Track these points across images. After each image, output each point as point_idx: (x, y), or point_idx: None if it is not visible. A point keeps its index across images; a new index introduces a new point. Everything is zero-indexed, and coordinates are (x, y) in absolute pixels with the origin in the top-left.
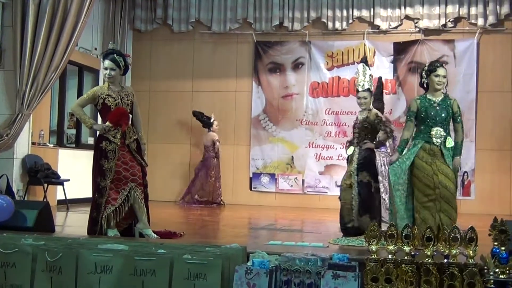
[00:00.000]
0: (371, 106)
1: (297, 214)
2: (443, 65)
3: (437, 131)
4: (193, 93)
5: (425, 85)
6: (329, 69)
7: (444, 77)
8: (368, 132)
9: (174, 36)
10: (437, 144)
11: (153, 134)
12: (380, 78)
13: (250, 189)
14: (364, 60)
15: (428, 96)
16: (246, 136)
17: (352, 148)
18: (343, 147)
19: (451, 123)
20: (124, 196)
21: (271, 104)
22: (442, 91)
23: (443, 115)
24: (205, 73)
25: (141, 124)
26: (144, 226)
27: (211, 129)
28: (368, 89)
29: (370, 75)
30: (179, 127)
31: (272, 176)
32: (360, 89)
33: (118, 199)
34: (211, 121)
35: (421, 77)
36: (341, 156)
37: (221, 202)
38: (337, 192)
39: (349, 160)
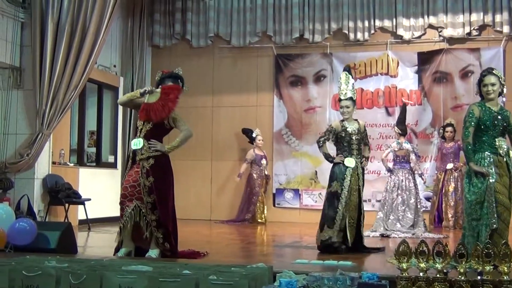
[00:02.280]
0: (354, 116)
1: None
2: (493, 71)
3: (500, 142)
4: (213, 108)
5: (479, 95)
6: None
7: (493, 84)
8: (360, 143)
9: (193, 51)
10: (503, 155)
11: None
12: (404, 105)
13: (274, 205)
14: (347, 69)
15: (487, 104)
16: (269, 151)
17: (353, 160)
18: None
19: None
20: (128, 213)
21: (293, 118)
22: (499, 100)
23: (504, 125)
24: (225, 87)
25: (182, 138)
26: (151, 246)
27: (254, 143)
28: (351, 98)
29: (352, 84)
30: (200, 143)
31: (296, 191)
32: (342, 97)
33: (124, 217)
34: (254, 136)
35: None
36: (365, 169)
37: (260, 219)
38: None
39: (347, 173)
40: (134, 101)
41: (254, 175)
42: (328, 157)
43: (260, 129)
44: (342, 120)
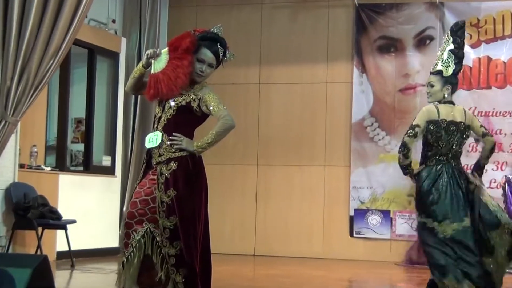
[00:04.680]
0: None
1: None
2: None
3: None
4: (261, 86)
5: None
6: (473, 46)
7: None
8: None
9: (231, 0)
10: None
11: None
12: None
13: (351, 234)
14: (459, 26)
15: None
16: (344, 152)
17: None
18: (496, 169)
19: None
20: (135, 242)
21: (382, 101)
22: None
23: None
24: (280, 55)
25: (219, 130)
26: None
27: None
28: (440, 72)
29: (453, 50)
30: (241, 138)
31: (386, 214)
32: (431, 70)
33: (129, 246)
34: None
35: None
36: (494, 181)
37: None
38: None
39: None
40: (144, 81)
41: None
42: (406, 169)
43: (332, 118)
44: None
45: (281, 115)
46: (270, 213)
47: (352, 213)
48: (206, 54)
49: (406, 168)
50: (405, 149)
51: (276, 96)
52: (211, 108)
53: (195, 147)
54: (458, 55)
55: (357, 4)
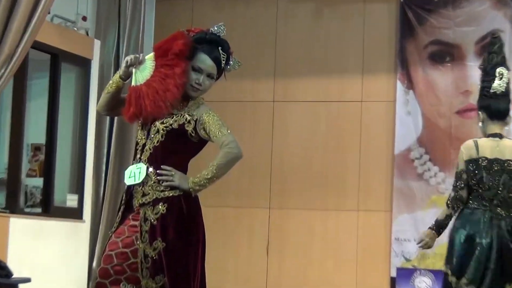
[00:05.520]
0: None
1: None
2: None
3: None
4: (276, 105)
5: None
6: None
7: None
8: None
9: None
10: None
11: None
12: None
13: None
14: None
15: None
16: (383, 193)
17: None
18: None
19: None
20: None
21: (435, 126)
22: None
23: None
24: (300, 65)
25: (222, 161)
26: None
27: None
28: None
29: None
30: (251, 172)
31: (438, 275)
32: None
33: None
34: None
35: None
36: None
37: None
38: None
39: None
40: (121, 97)
41: None
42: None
43: (368, 146)
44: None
45: (301, 142)
46: (286, 270)
47: (394, 274)
48: (205, 61)
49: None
50: (455, 206)
51: (294, 118)
52: (211, 132)
53: (191, 184)
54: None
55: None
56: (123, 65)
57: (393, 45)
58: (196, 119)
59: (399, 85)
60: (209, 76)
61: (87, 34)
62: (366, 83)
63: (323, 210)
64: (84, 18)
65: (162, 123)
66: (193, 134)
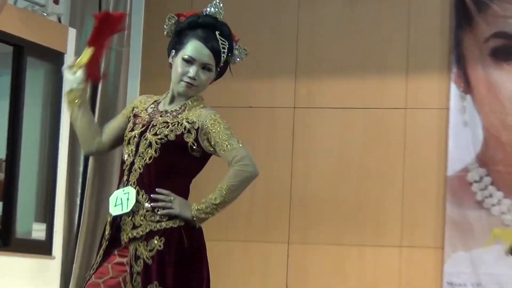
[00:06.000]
0: None
1: None
2: None
3: None
4: (297, 112)
5: None
6: None
7: None
8: None
9: None
10: None
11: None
12: None
13: None
14: None
15: None
16: (433, 225)
17: None
18: None
19: None
20: None
21: (498, 141)
22: None
23: None
24: (327, 63)
25: (235, 181)
26: None
27: None
28: None
29: None
30: (266, 197)
31: None
32: None
33: None
34: None
35: None
36: None
37: None
38: None
39: None
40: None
41: None
42: None
43: (414, 165)
44: None
45: (328, 161)
46: None
47: None
48: (197, 49)
49: None
50: None
51: (320, 129)
52: (218, 145)
53: (195, 212)
54: None
55: None
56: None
57: (446, 38)
58: (198, 127)
59: (453, 88)
60: (205, 68)
61: (60, 21)
62: (412, 86)
63: (357, 246)
64: (56, 1)
65: (155, 134)
66: (194, 147)
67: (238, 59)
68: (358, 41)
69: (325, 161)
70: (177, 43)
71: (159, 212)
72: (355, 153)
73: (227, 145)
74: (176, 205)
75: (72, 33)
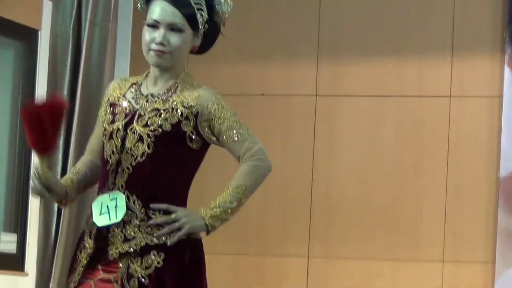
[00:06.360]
0: None
1: None
2: None
3: None
4: (319, 100)
5: None
6: None
7: None
8: None
9: None
10: None
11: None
12: None
13: None
14: None
15: None
16: (483, 235)
17: None
18: None
19: None
20: None
21: None
22: None
23: None
24: (356, 42)
25: (250, 178)
26: None
27: None
28: None
29: None
30: (282, 203)
31: None
32: None
33: None
34: None
35: None
36: None
37: None
38: None
39: None
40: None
41: None
42: None
43: (460, 165)
44: None
45: (356, 158)
46: None
47: None
48: (164, 9)
49: None
50: None
51: (347, 121)
52: (225, 134)
53: (209, 221)
54: None
55: None
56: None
57: (499, 12)
58: (197, 112)
59: (507, 72)
60: (174, 29)
61: None
62: (457, 70)
63: (390, 261)
64: None
65: (146, 125)
66: (193, 137)
67: (220, 12)
68: (392, 17)
69: (352, 159)
70: (147, 13)
71: (168, 243)
72: (388, 150)
73: (236, 135)
74: (184, 221)
75: (47, 7)
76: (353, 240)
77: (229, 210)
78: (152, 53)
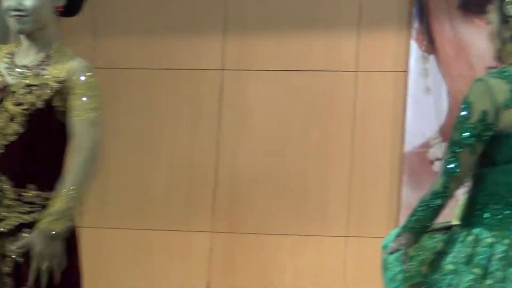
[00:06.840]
0: None
1: None
2: None
3: None
4: (226, 75)
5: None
6: None
7: None
8: None
9: None
10: None
11: (118, 204)
12: None
13: None
14: None
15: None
16: (387, 210)
17: None
18: None
19: None
20: None
21: None
22: None
23: None
24: (264, 15)
25: (79, 172)
26: None
27: None
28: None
29: None
30: (186, 178)
31: None
32: None
33: None
34: None
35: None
36: None
37: None
38: None
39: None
40: None
41: None
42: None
43: (365, 140)
44: None
45: (263, 134)
46: None
47: None
48: None
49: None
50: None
51: (254, 96)
52: (75, 108)
53: (63, 225)
54: None
55: None
56: None
57: None
58: (67, 85)
59: (414, 47)
60: None
61: None
62: (364, 44)
63: (295, 235)
64: None
65: (18, 104)
66: (65, 111)
67: None
68: None
69: (260, 134)
70: None
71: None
72: (296, 125)
73: (85, 116)
74: (39, 246)
75: None
76: (257, 215)
77: (74, 193)
78: (12, 20)
